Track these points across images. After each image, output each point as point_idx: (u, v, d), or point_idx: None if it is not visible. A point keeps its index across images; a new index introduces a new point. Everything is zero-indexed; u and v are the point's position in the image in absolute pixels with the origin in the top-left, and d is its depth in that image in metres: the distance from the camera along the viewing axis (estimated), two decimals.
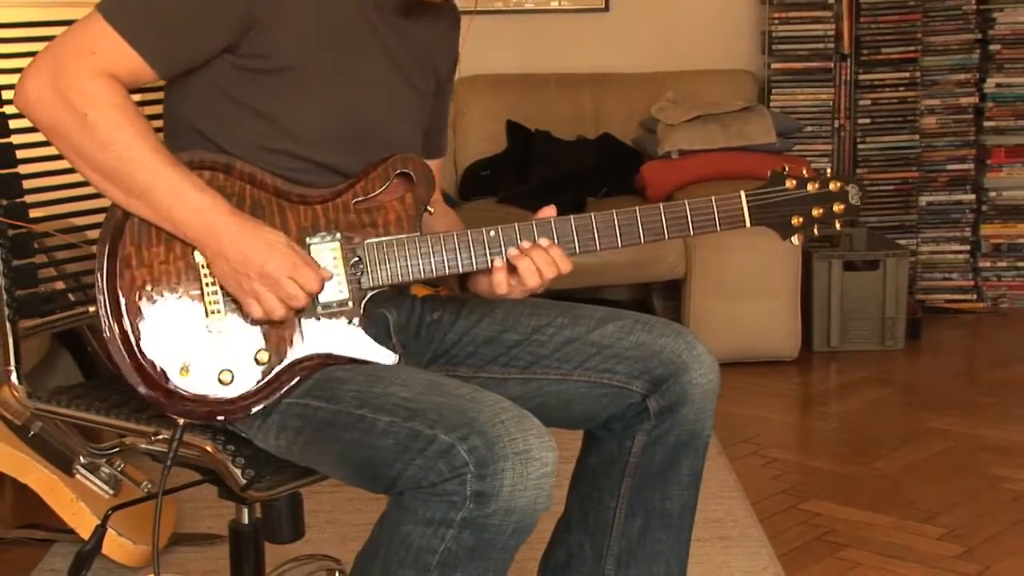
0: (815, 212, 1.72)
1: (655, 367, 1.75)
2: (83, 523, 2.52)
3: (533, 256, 1.64)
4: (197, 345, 1.59)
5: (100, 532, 2.10)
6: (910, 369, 4.12)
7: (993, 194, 4.77)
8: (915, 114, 4.69)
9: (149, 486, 2.66)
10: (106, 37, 1.54)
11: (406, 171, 1.67)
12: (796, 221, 1.72)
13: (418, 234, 1.65)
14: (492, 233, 1.65)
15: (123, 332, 1.57)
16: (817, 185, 1.72)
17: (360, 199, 1.65)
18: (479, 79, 4.64)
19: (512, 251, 1.64)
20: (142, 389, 1.58)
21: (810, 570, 2.57)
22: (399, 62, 1.73)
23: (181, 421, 1.60)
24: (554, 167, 4.41)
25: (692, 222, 1.69)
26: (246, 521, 1.89)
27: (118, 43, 1.54)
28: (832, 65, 4.66)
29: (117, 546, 2.50)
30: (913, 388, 3.90)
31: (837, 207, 1.72)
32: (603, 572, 1.83)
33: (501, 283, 1.65)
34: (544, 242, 1.65)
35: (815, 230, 1.73)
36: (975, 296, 4.80)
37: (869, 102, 4.69)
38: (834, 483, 3.06)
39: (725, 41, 4.80)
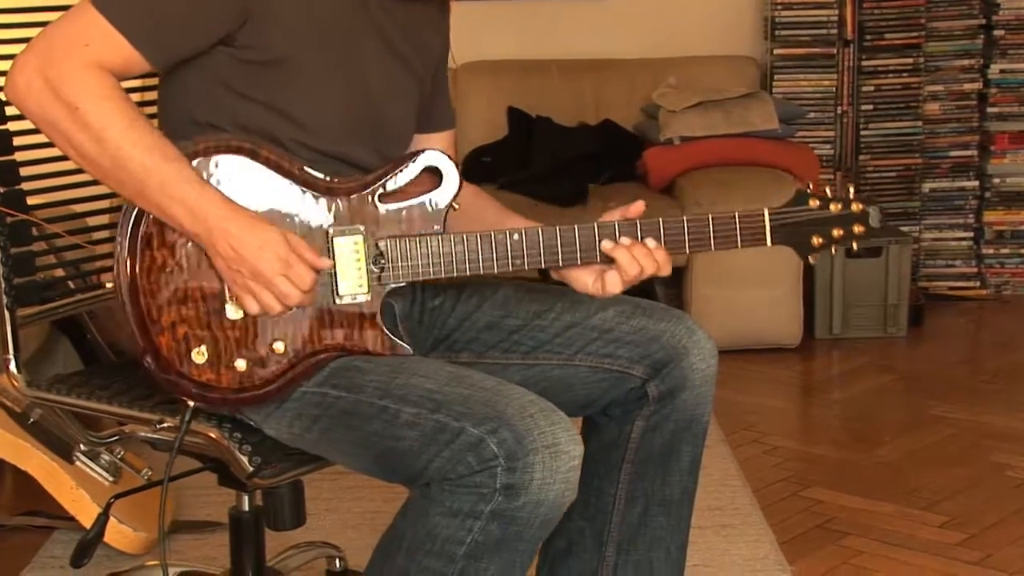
0: (835, 233, 1.72)
1: (655, 351, 1.74)
2: (83, 510, 2.51)
3: (633, 251, 1.65)
4: (215, 330, 1.58)
5: (103, 520, 2.10)
6: (913, 356, 4.11)
7: (996, 181, 4.75)
8: (918, 100, 4.67)
9: (149, 473, 2.66)
10: (99, 29, 1.51)
11: (434, 166, 1.66)
12: (816, 241, 1.72)
13: (441, 232, 1.64)
14: (515, 237, 1.65)
15: (139, 312, 1.56)
16: (840, 206, 1.72)
17: (386, 193, 1.64)
18: (480, 65, 4.62)
19: (608, 244, 1.65)
20: (156, 370, 1.57)
21: (812, 558, 2.56)
22: (396, 47, 1.72)
23: (191, 403, 1.59)
24: (555, 153, 4.39)
25: (714, 239, 1.69)
26: (246, 508, 1.90)
27: (111, 35, 1.52)
28: (835, 51, 4.63)
29: (117, 533, 2.50)
30: (916, 375, 3.89)
31: (857, 228, 1.73)
32: (603, 558, 1.83)
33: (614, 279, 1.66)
34: (651, 243, 1.66)
35: (832, 250, 1.74)
36: (978, 283, 4.79)
37: (872, 88, 4.67)
38: (836, 471, 3.06)
39: (727, 27, 4.78)
